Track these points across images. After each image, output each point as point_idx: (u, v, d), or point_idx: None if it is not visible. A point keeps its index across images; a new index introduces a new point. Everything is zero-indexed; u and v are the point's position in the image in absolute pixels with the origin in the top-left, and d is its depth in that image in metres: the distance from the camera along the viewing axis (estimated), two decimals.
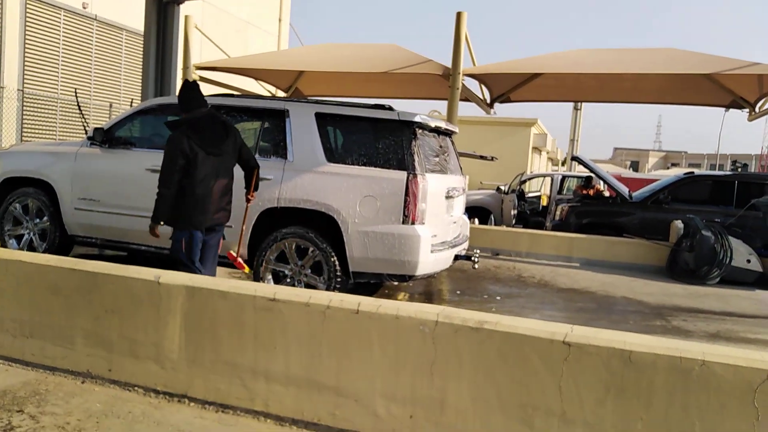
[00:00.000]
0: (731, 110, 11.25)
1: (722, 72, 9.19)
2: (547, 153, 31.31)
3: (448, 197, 5.47)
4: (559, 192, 14.39)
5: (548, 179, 15.51)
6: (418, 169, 4.88)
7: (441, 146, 5.62)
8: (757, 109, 10.67)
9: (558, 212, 10.72)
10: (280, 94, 13.59)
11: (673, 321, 5.55)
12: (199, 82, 11.61)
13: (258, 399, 3.33)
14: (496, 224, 13.63)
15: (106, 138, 5.83)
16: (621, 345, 2.73)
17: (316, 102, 5.52)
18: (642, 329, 5.20)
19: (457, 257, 5.63)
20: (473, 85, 11.95)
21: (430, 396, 3.00)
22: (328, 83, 13.57)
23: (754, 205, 8.20)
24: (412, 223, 4.85)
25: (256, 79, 13.52)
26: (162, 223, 4.22)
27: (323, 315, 3.17)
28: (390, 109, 5.08)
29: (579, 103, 21.47)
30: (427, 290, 6.62)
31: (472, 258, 5.77)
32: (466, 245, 6.19)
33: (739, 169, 13.54)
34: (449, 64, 9.88)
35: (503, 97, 12.44)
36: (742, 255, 7.55)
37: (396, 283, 5.33)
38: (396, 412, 3.06)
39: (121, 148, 5.80)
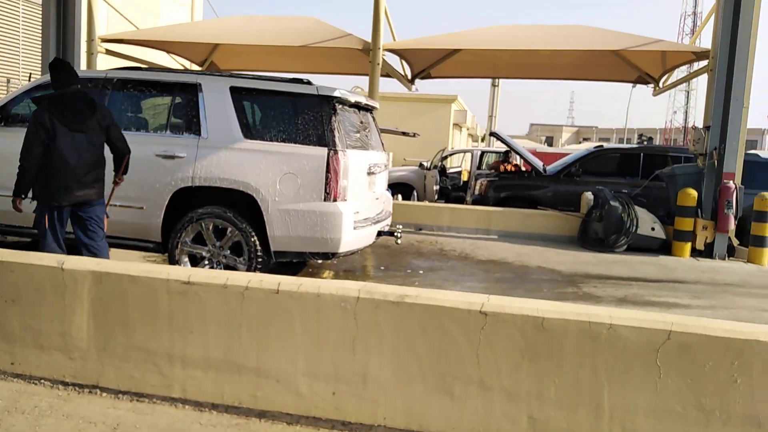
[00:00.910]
0: (638, 86, 11.91)
1: (629, 48, 9.68)
2: (468, 129, 31.98)
3: (370, 173, 5.46)
4: (479, 167, 14.75)
5: (468, 155, 15.84)
6: (339, 145, 4.82)
7: (362, 122, 5.58)
8: (660, 84, 11.35)
9: (477, 187, 10.98)
10: (195, 68, 13.01)
11: (584, 287, 5.86)
12: (107, 56, 10.92)
13: (175, 385, 3.21)
14: (419, 200, 13.83)
15: (1, 116, 5.37)
16: (534, 312, 2.83)
17: (231, 75, 5.30)
18: (555, 296, 5.45)
19: (380, 233, 5.65)
20: (394, 61, 11.95)
21: (352, 371, 3.01)
22: (245, 57, 13.13)
23: (657, 176, 8.74)
24: (334, 200, 4.81)
25: (168, 52, 12.88)
26: (27, 198, 4.19)
27: (242, 296, 3.08)
28: (308, 83, 4.97)
29: (496, 80, 22.01)
30: (352, 267, 6.62)
31: (395, 234, 5.81)
32: (389, 221, 6.22)
33: (645, 143, 14.31)
34: (370, 39, 9.80)
35: (424, 73, 12.53)
36: (647, 223, 8.05)
37: (319, 261, 5.28)
38: (319, 390, 3.05)
39: (19, 126, 5.35)
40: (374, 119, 6.18)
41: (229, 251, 5.03)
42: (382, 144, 6.33)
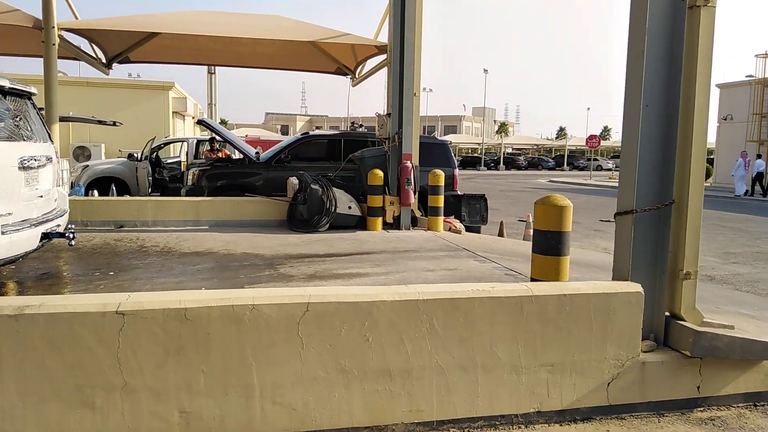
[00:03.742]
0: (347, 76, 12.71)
1: (322, 40, 10.24)
2: (192, 118, 30.60)
3: (24, 168, 4.72)
4: (195, 156, 14.21)
5: (186, 144, 15.11)
6: None
7: (9, 109, 4.78)
8: (357, 75, 12.30)
9: (190, 177, 10.54)
10: None
11: (281, 269, 6.03)
12: None
13: None
14: (133, 194, 12.75)
15: None
16: (176, 304, 2.75)
17: None
18: (250, 281, 5.49)
19: (46, 235, 4.96)
20: (83, 44, 10.67)
21: None
22: None
23: (351, 160, 9.48)
24: None
25: None
26: None
27: None
28: None
29: (213, 67, 21.40)
30: (21, 276, 5.72)
31: (67, 234, 5.17)
32: (63, 220, 5.51)
33: (357, 129, 15.42)
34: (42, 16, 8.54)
35: (121, 57, 11.47)
36: (345, 203, 8.69)
37: None
38: None
39: None
40: (34, 106, 5.37)
41: None
42: (49, 135, 5.56)
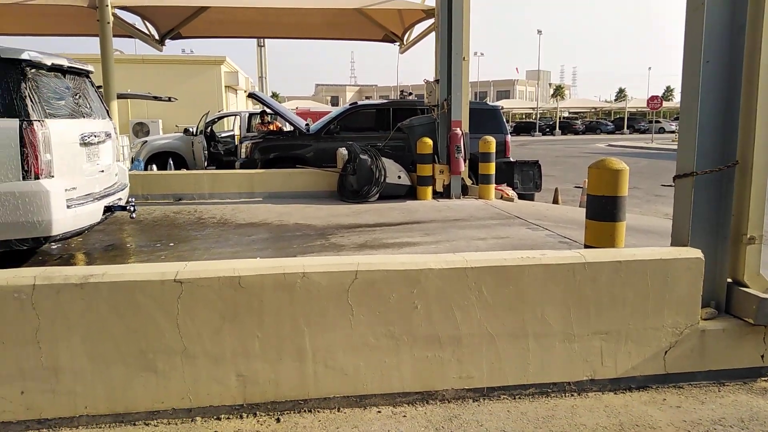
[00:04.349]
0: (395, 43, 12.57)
1: (369, 7, 10.12)
2: (244, 92, 31.10)
3: (86, 144, 4.93)
4: (248, 130, 14.46)
5: (238, 118, 15.39)
6: (34, 115, 4.24)
7: (70, 87, 4.98)
8: (405, 42, 12.14)
9: (244, 150, 10.76)
10: None
11: (332, 238, 6.12)
12: None
13: None
14: (189, 168, 13.14)
15: None
16: (230, 273, 2.83)
17: None
18: (303, 250, 5.60)
19: (108, 209, 5.19)
20: (137, 21, 10.96)
21: (40, 366, 2.73)
22: None
23: (399, 129, 9.42)
24: (37, 177, 4.26)
25: None
26: None
27: None
28: None
29: (262, 40, 21.57)
30: (89, 247, 6.04)
31: (128, 207, 5.40)
32: (123, 194, 5.75)
33: (406, 97, 15.28)
34: None
35: (173, 33, 11.73)
36: (394, 173, 8.68)
37: (29, 247, 4.67)
38: (3, 392, 2.72)
39: None
40: (92, 84, 5.57)
41: None
42: (107, 111, 5.78)
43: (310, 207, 8.21)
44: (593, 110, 72.95)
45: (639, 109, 61.33)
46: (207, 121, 13.68)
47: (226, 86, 24.76)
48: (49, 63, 4.57)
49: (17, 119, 4.18)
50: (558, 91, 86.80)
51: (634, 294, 3.15)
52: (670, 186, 3.60)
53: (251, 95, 10.79)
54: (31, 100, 4.28)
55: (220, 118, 16.41)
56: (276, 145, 10.43)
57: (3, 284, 2.67)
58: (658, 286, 3.17)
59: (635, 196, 11.51)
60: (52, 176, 4.37)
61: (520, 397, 3.06)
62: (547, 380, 3.14)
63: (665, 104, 57.92)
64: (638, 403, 3.00)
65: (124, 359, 2.78)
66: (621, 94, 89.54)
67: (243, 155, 10.79)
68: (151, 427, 2.76)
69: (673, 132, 49.89)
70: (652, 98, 34.44)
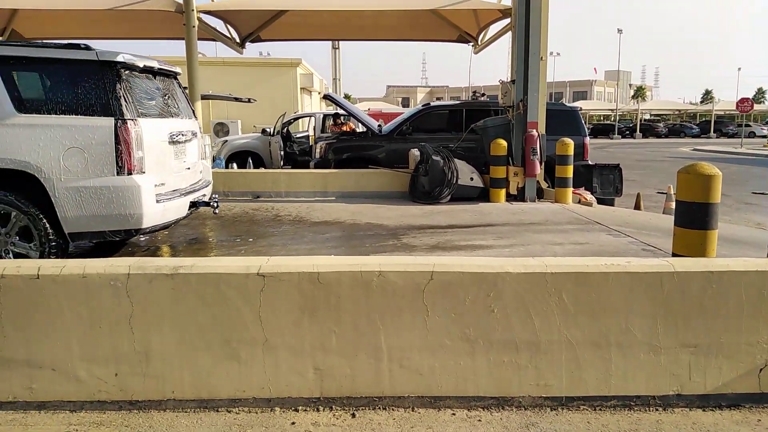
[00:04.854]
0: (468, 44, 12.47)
1: (444, 7, 10.07)
2: (318, 93, 31.77)
3: (173, 142, 5.19)
4: (322, 130, 14.75)
5: (312, 119, 15.73)
6: (128, 114, 4.51)
7: (160, 88, 5.26)
8: (479, 42, 12.00)
9: (318, 150, 10.99)
10: None
11: (404, 239, 6.14)
12: None
13: None
14: (267, 167, 13.56)
15: None
16: (310, 268, 2.89)
17: None
18: (375, 249, 5.65)
19: (194, 204, 5.44)
20: (219, 25, 11.41)
21: (133, 350, 2.90)
22: (49, 24, 11.79)
23: (473, 130, 9.32)
24: (129, 173, 4.52)
25: None
26: None
27: None
28: (87, 48, 4.56)
29: (336, 42, 21.94)
30: (174, 241, 6.35)
31: (212, 204, 5.64)
32: (207, 191, 6.01)
33: (479, 98, 15.14)
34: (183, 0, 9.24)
35: (253, 36, 12.12)
36: (466, 174, 8.60)
37: (121, 239, 4.97)
38: (99, 373, 2.90)
39: None
40: (180, 85, 5.86)
41: (17, 238, 4.57)
42: (193, 111, 6.05)
43: (382, 207, 8.27)
44: (677, 113, 69.38)
45: (727, 112, 57.80)
46: (284, 121, 14.06)
47: (301, 88, 25.36)
48: (141, 65, 4.85)
49: (112, 118, 4.46)
50: (639, 92, 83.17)
51: (726, 307, 2.96)
52: (764, 194, 3.36)
53: (326, 97, 11.00)
54: (125, 100, 4.55)
55: (296, 118, 16.83)
56: (349, 146, 10.59)
57: (100, 272, 2.85)
58: (753, 299, 2.97)
59: (724, 203, 10.84)
60: (144, 172, 4.62)
61: (600, 409, 2.95)
62: (631, 393, 3.01)
63: (756, 107, 54.29)
64: (729, 422, 2.83)
65: (210, 347, 2.91)
66: (707, 96, 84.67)
67: (317, 155, 11.02)
68: (233, 414, 2.87)
69: (765, 137, 46.65)
70: (742, 101, 32.39)
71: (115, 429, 2.74)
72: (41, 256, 4.52)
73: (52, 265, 2.86)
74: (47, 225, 4.50)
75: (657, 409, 2.94)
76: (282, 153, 13.53)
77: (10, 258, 4.55)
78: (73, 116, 4.43)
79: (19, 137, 4.36)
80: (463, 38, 11.88)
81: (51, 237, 4.52)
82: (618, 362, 2.97)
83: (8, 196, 4.45)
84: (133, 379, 2.92)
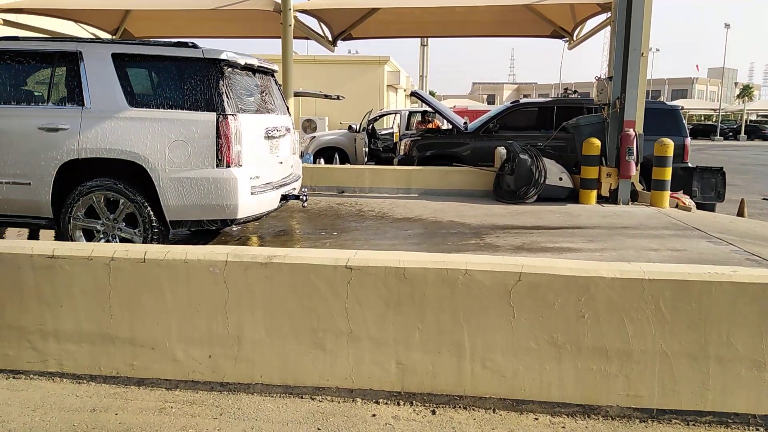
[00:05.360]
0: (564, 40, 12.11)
1: (540, 2, 9.81)
2: (404, 90, 31.91)
3: (269, 137, 5.40)
4: (407, 127, 14.80)
5: (398, 116, 15.84)
6: (229, 110, 4.74)
7: (258, 85, 5.49)
8: (574, 37, 11.60)
9: (402, 147, 11.05)
10: (106, 36, 12.40)
11: (487, 238, 6.06)
12: (5, 27, 10.24)
13: (51, 360, 3.18)
14: (352, 163, 13.81)
15: None
16: (396, 264, 2.93)
17: (113, 42, 5.12)
18: (457, 248, 5.61)
19: (285, 197, 5.63)
20: (313, 23, 11.73)
21: (226, 334, 3.05)
22: (158, 23, 12.62)
23: (564, 128, 9.01)
24: (228, 165, 4.75)
25: (76, 21, 12.19)
26: None
27: (108, 267, 3.05)
28: (194, 46, 4.83)
29: (425, 39, 21.92)
30: (263, 231, 6.61)
31: (301, 197, 5.82)
32: (297, 185, 6.21)
33: (570, 96, 14.67)
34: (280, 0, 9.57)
35: (345, 34, 12.36)
36: (555, 174, 8.34)
37: (217, 228, 5.23)
38: (195, 354, 3.08)
39: None
40: (276, 82, 6.08)
41: (124, 224, 4.93)
42: (287, 108, 6.27)
43: (465, 205, 8.19)
44: None
45: None
46: (370, 118, 14.25)
47: (388, 85, 25.58)
48: (242, 63, 5.08)
49: (215, 113, 4.70)
50: (745, 91, 77.16)
51: None
52: None
53: (413, 94, 11.04)
54: (227, 96, 4.78)
55: (382, 115, 17.00)
56: (433, 143, 10.55)
57: (201, 258, 3.03)
58: None
59: None
60: (241, 165, 4.85)
61: (694, 424, 2.79)
62: (728, 409, 2.83)
63: None
64: None
65: (298, 335, 3.01)
66: None
67: (401, 152, 11.08)
68: (317, 402, 2.96)
69: None
70: None
71: (207, 408, 2.90)
72: (144, 242, 4.85)
73: (158, 250, 3.07)
74: (151, 212, 4.82)
75: (758, 428, 2.74)
76: (366, 149, 13.71)
77: (116, 242, 4.92)
78: (180, 111, 4.72)
79: (130, 130, 4.70)
80: (557, 33, 11.53)
81: (154, 224, 4.84)
82: (716, 376, 2.79)
83: (118, 185, 4.81)
84: (225, 361, 3.08)
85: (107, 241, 4.92)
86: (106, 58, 4.83)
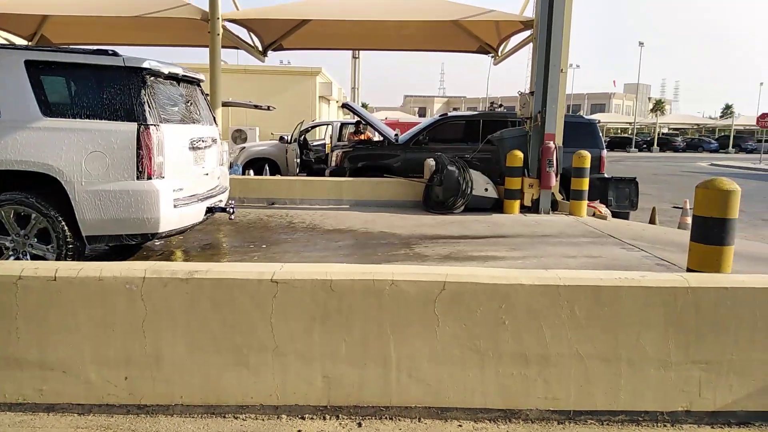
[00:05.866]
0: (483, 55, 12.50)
1: (466, 18, 10.11)
2: (337, 102, 31.98)
3: (194, 148, 5.27)
4: (339, 139, 14.82)
5: (330, 127, 15.83)
6: (150, 120, 4.59)
7: (182, 95, 5.35)
8: (500, 53, 12.01)
9: (334, 158, 11.05)
10: (21, 42, 11.72)
11: (416, 248, 6.15)
12: None
13: None
14: (283, 174, 13.66)
15: None
16: (323, 276, 2.92)
17: (26, 48, 4.86)
18: (386, 258, 5.66)
19: (210, 210, 5.50)
20: (242, 33, 11.56)
21: (144, 353, 2.94)
22: (77, 29, 12.04)
23: (490, 141, 9.31)
24: (149, 177, 4.59)
25: None
26: None
27: (15, 286, 2.87)
28: (114, 54, 4.66)
29: (357, 51, 22.09)
30: (188, 245, 6.42)
31: (228, 209, 5.70)
32: (224, 196, 6.08)
33: (496, 109, 15.10)
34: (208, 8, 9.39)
35: (276, 45, 12.26)
36: (481, 185, 8.59)
37: (137, 242, 5.02)
38: (110, 376, 2.95)
39: None
40: (202, 92, 5.95)
41: (36, 240, 4.66)
42: (214, 118, 6.14)
43: (395, 216, 8.29)
44: (695, 127, 68.58)
45: (747, 127, 56.95)
46: (301, 129, 14.17)
47: (320, 96, 25.55)
48: (166, 72, 4.94)
49: (135, 123, 4.54)
50: (658, 106, 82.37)
51: (740, 324, 2.93)
52: None
53: (345, 105, 11.10)
54: (149, 106, 4.63)
55: (314, 127, 16.94)
56: (365, 155, 10.63)
57: (117, 275, 2.90)
58: None
59: (740, 219, 10.70)
60: (163, 177, 4.70)
61: (608, 424, 2.93)
62: (639, 408, 2.99)
63: None
64: None
65: (220, 352, 2.94)
66: (727, 111, 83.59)
67: (333, 163, 11.08)
68: (240, 420, 2.89)
69: None
70: (763, 116, 31.94)
71: None
72: (57, 259, 4.60)
73: (70, 268, 2.92)
74: (66, 228, 4.58)
75: (665, 425, 2.92)
76: (298, 161, 13.62)
77: (27, 259, 4.64)
78: (98, 120, 4.52)
79: (43, 140, 4.46)
80: (483, 49, 11.91)
81: (69, 240, 4.60)
82: (628, 377, 2.95)
83: (29, 198, 4.55)
84: (143, 382, 2.96)
85: (17, 258, 4.63)
86: (19, 65, 4.57)
